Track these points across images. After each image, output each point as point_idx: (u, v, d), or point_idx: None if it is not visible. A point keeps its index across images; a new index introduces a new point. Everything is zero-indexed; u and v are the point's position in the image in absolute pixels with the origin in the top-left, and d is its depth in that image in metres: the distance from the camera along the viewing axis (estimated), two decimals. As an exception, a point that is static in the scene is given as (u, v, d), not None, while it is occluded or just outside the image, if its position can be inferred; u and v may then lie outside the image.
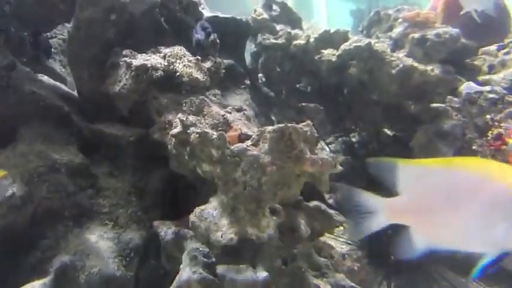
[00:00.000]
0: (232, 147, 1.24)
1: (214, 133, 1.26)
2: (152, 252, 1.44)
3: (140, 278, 1.41)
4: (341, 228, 1.92)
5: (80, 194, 1.45)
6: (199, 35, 1.72)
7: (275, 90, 2.57)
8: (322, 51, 2.43)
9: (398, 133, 2.56)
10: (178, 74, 1.54)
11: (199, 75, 1.57)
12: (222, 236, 1.18)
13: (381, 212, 0.85)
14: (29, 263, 1.32)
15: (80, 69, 1.69)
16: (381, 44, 2.36)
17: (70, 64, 1.77)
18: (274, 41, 2.52)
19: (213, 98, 1.66)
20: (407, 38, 2.42)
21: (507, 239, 0.68)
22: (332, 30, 2.47)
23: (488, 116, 1.96)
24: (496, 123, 1.95)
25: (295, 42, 2.49)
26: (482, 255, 0.70)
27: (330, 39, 2.46)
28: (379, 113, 2.49)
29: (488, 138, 1.97)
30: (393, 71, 2.28)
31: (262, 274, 1.15)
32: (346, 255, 1.89)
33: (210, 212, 1.24)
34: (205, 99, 1.53)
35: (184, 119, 1.33)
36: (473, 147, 2.03)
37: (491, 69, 2.35)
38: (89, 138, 1.58)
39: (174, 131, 1.35)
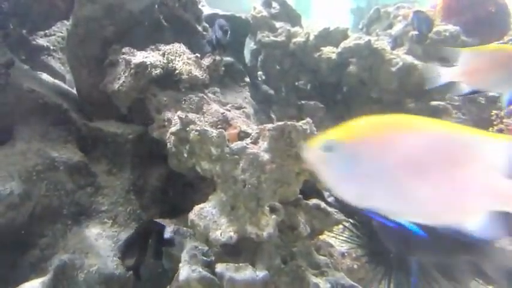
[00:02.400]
0: (232, 145, 1.24)
1: (214, 131, 1.26)
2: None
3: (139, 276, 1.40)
4: (340, 226, 1.92)
5: (78, 192, 1.45)
6: (217, 33, 1.71)
7: (275, 87, 2.57)
8: (322, 48, 2.43)
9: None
10: (177, 71, 1.54)
11: (198, 73, 1.56)
12: (221, 235, 1.17)
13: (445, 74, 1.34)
14: (27, 262, 1.32)
15: (78, 67, 1.68)
16: (381, 42, 2.36)
17: (69, 62, 1.76)
18: (273, 38, 2.52)
19: (213, 96, 1.65)
20: (407, 36, 2.42)
21: None
22: (332, 28, 2.47)
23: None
24: (499, 120, 1.94)
25: (294, 39, 2.49)
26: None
27: (329, 36, 2.46)
28: (378, 110, 2.48)
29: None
30: (393, 69, 2.27)
31: (261, 273, 1.15)
32: (345, 254, 1.89)
33: (209, 210, 1.23)
34: (205, 96, 1.52)
35: (184, 116, 1.32)
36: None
37: (491, 67, 2.35)
38: (87, 136, 1.58)
39: (173, 128, 1.34)
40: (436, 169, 0.66)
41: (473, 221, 0.67)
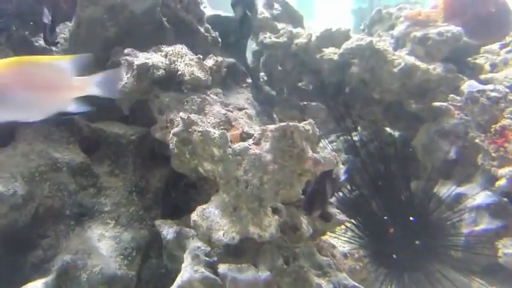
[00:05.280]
0: (234, 146, 1.24)
1: (216, 132, 1.26)
2: (154, 251, 1.45)
3: (142, 277, 1.41)
4: (342, 227, 1.92)
5: (81, 193, 1.45)
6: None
7: (277, 89, 2.57)
8: (324, 49, 2.43)
9: (400, 132, 2.56)
10: (179, 72, 1.54)
11: (200, 74, 1.56)
12: (223, 235, 1.17)
13: None
14: (30, 262, 1.32)
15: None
16: (383, 43, 2.36)
17: (71, 63, 1.76)
18: (275, 39, 2.52)
19: (215, 97, 1.65)
20: (409, 37, 2.42)
21: None
22: (333, 29, 2.47)
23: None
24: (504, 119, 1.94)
25: (296, 40, 2.49)
26: None
27: (331, 37, 2.46)
28: (380, 111, 2.49)
29: (492, 132, 1.95)
30: (395, 70, 2.27)
31: (264, 273, 1.15)
32: (347, 254, 1.89)
33: (211, 211, 1.23)
34: (207, 97, 1.52)
35: (186, 117, 1.32)
36: (476, 141, 2.02)
37: (493, 67, 2.34)
38: (90, 137, 1.58)
39: (176, 129, 1.34)
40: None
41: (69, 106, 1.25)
